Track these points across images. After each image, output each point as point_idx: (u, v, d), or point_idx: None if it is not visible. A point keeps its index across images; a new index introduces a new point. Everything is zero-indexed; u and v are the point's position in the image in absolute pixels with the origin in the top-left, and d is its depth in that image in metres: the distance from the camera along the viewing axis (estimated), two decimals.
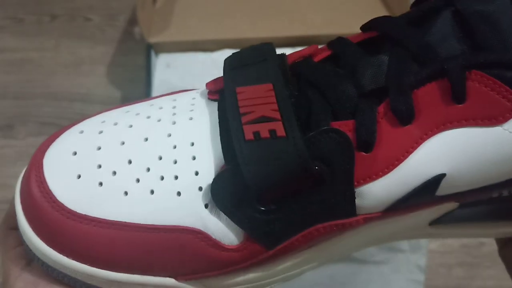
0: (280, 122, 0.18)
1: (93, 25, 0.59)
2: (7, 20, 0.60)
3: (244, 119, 0.18)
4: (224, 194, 0.19)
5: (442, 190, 0.20)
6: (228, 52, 0.50)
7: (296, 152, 0.18)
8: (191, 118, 0.20)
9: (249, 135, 0.18)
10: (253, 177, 0.18)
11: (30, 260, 0.20)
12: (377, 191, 0.19)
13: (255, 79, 0.20)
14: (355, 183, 0.19)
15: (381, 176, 0.19)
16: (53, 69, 0.55)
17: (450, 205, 0.21)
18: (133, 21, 0.59)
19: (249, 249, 0.19)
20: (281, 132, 0.18)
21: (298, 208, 0.19)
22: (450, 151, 0.19)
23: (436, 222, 0.22)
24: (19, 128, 0.51)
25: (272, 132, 0.18)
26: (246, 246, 0.19)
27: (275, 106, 0.19)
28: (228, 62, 0.22)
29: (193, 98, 0.22)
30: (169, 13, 0.52)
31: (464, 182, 0.20)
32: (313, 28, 0.50)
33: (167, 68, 0.49)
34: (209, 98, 0.21)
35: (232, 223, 0.19)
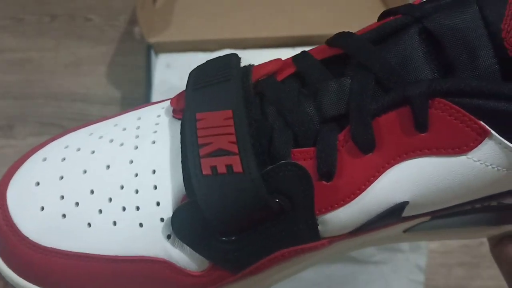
0: (238, 157, 0.18)
1: (93, 25, 0.59)
2: (7, 20, 0.60)
3: (202, 151, 0.18)
4: (185, 227, 0.19)
5: (407, 213, 0.19)
6: (228, 52, 0.50)
7: (253, 189, 0.18)
8: (153, 142, 0.20)
9: (206, 170, 0.18)
10: (211, 213, 0.18)
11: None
12: (340, 219, 0.19)
13: (215, 103, 0.19)
14: (317, 212, 0.19)
15: (342, 205, 0.19)
16: (53, 69, 0.55)
17: (422, 218, 0.21)
18: (133, 21, 0.59)
19: (216, 274, 0.19)
20: (237, 167, 0.18)
21: (260, 238, 0.19)
22: (413, 180, 0.18)
23: (410, 230, 0.22)
24: (19, 128, 0.51)
25: (229, 167, 0.18)
26: (212, 272, 0.19)
27: (233, 138, 0.18)
28: (192, 79, 0.21)
29: (158, 116, 0.21)
30: (169, 13, 0.52)
31: (428, 207, 0.19)
32: (313, 28, 0.50)
33: (167, 68, 0.49)
34: (173, 116, 0.21)
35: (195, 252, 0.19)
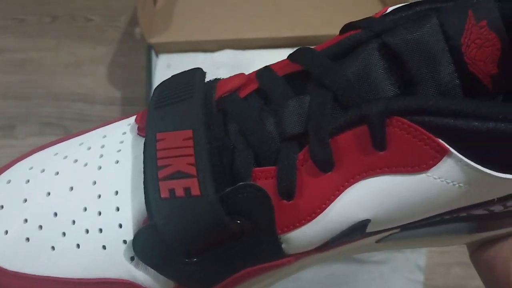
0: (196, 179, 0.18)
1: (94, 25, 0.59)
2: (8, 21, 0.60)
3: (160, 174, 0.18)
4: (147, 250, 0.19)
5: (371, 229, 0.19)
6: (228, 52, 0.50)
7: (211, 212, 0.17)
8: (117, 162, 0.20)
9: (165, 193, 0.18)
10: (170, 236, 0.18)
11: None
12: (302, 237, 0.19)
13: (176, 123, 0.19)
14: (279, 231, 0.19)
15: (304, 224, 0.18)
16: (53, 69, 0.55)
17: (392, 230, 0.21)
18: (133, 21, 0.59)
19: None
20: (195, 190, 0.17)
21: (224, 258, 0.19)
22: (374, 198, 0.18)
23: (383, 239, 0.22)
24: (20, 128, 0.51)
25: (187, 190, 0.18)
26: None
27: (192, 159, 0.18)
28: (155, 96, 0.21)
29: (124, 134, 0.21)
30: (169, 14, 0.52)
31: (392, 223, 0.19)
32: (313, 28, 0.50)
33: (167, 69, 0.49)
34: (138, 134, 0.21)
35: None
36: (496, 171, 0.17)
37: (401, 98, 0.17)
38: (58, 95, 0.53)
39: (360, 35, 0.19)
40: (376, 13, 0.20)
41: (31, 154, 0.22)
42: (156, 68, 0.49)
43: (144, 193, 0.19)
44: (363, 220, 0.18)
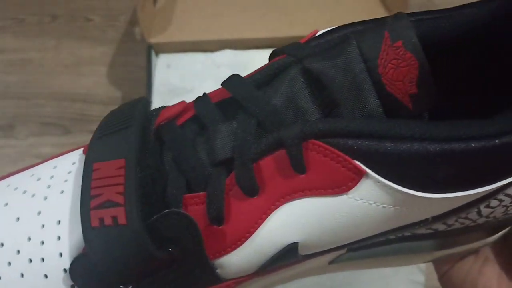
0: (123, 208, 0.18)
1: (94, 25, 0.59)
2: (8, 21, 0.60)
3: (92, 203, 0.18)
4: (83, 278, 0.19)
5: (304, 252, 0.20)
6: (228, 52, 0.50)
7: (137, 240, 0.18)
8: (62, 192, 0.20)
9: (95, 222, 0.18)
10: (102, 264, 0.18)
11: None
12: (235, 261, 0.19)
13: (112, 152, 0.19)
14: (211, 256, 0.19)
15: (235, 249, 0.19)
16: (53, 69, 0.55)
17: (338, 252, 0.21)
18: (133, 21, 0.59)
19: None
20: (122, 219, 0.18)
21: (159, 285, 0.19)
22: (299, 221, 0.18)
23: (335, 262, 0.22)
24: (20, 128, 0.51)
25: (115, 219, 0.18)
26: None
27: (121, 188, 0.18)
28: (99, 126, 0.21)
29: (73, 164, 0.21)
30: (169, 14, 0.52)
31: (324, 246, 0.20)
32: (313, 28, 0.50)
33: (167, 69, 0.49)
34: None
35: None
36: (417, 191, 0.17)
37: (316, 121, 0.17)
38: (58, 95, 0.53)
39: (283, 61, 0.19)
40: (303, 39, 0.20)
41: None
42: (156, 68, 0.49)
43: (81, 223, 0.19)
44: (291, 243, 0.19)
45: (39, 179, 0.21)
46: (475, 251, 0.25)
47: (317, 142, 0.17)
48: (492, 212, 0.21)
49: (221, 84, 0.20)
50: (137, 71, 0.53)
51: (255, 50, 0.50)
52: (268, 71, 0.19)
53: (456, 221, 0.21)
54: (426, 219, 0.19)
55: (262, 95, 0.19)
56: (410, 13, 0.19)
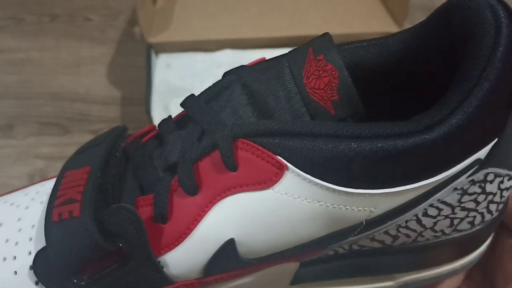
0: (79, 203, 0.20)
1: (93, 25, 0.59)
2: (8, 20, 0.60)
3: (56, 202, 0.20)
4: (44, 271, 0.20)
5: (246, 254, 0.21)
6: (228, 52, 0.50)
7: (86, 231, 0.19)
8: (41, 202, 0.23)
9: (55, 217, 0.20)
10: (56, 256, 0.20)
11: None
12: (178, 259, 0.20)
13: (81, 163, 0.22)
14: (156, 254, 0.20)
15: (177, 245, 0.20)
16: (53, 69, 0.55)
17: (290, 266, 0.23)
18: (133, 21, 0.59)
19: None
20: (76, 212, 0.20)
21: (111, 281, 0.20)
22: (233, 216, 0.20)
23: (295, 283, 0.24)
24: (19, 128, 0.51)
25: (71, 213, 0.20)
26: None
27: (82, 188, 0.20)
28: (79, 148, 0.24)
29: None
30: (169, 13, 0.52)
31: (261, 247, 0.21)
32: (313, 28, 0.50)
33: (167, 68, 0.49)
34: None
35: None
36: (335, 185, 0.19)
37: (244, 123, 0.20)
38: (58, 95, 0.53)
39: (227, 79, 0.22)
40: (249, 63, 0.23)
41: None
42: (156, 68, 0.49)
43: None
44: (228, 240, 0.20)
45: (26, 194, 0.24)
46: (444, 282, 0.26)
47: (245, 141, 0.19)
48: (435, 224, 0.22)
49: (180, 104, 0.22)
50: (137, 71, 0.53)
51: (255, 50, 0.50)
52: (215, 88, 0.22)
53: (398, 231, 0.22)
54: (360, 223, 0.21)
55: (207, 107, 0.21)
56: (339, 43, 0.22)
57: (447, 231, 0.23)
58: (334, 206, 0.20)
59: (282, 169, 0.19)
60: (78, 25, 0.59)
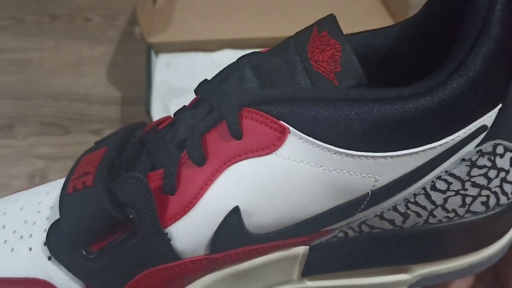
0: (92, 175, 0.21)
1: (93, 25, 0.59)
2: (7, 20, 0.60)
3: (72, 177, 0.22)
4: (55, 243, 0.21)
5: (253, 228, 0.21)
6: (228, 52, 0.50)
7: (97, 199, 0.20)
8: (62, 188, 0.23)
9: (69, 189, 0.21)
10: (67, 225, 0.20)
11: None
12: (184, 230, 0.21)
13: (99, 147, 0.23)
14: (163, 224, 0.21)
15: (183, 215, 0.21)
16: (53, 69, 0.55)
17: (299, 250, 0.23)
18: (133, 21, 0.59)
19: None
20: (89, 182, 0.21)
21: (120, 254, 0.21)
22: (238, 184, 0.20)
23: (307, 273, 0.24)
24: (19, 128, 0.51)
25: (84, 183, 0.21)
26: None
27: (97, 163, 0.21)
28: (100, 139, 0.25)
29: None
30: (169, 13, 0.52)
31: (264, 217, 0.21)
32: None
33: (167, 68, 0.49)
34: None
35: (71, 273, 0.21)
36: (337, 147, 0.19)
37: (247, 93, 0.20)
38: (58, 95, 0.53)
39: (238, 62, 0.23)
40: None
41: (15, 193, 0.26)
42: (156, 68, 0.49)
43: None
44: (233, 208, 0.20)
45: (49, 185, 0.25)
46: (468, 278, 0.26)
47: (250, 109, 0.20)
48: (446, 201, 0.21)
49: (194, 91, 0.23)
50: (137, 71, 0.53)
51: (255, 49, 0.50)
52: (226, 70, 0.23)
53: (408, 207, 0.21)
54: (366, 194, 0.21)
55: (217, 87, 0.22)
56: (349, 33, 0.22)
57: (460, 211, 0.22)
58: (337, 171, 0.20)
59: (284, 133, 0.19)
60: (78, 25, 0.59)
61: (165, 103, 0.46)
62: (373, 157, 0.19)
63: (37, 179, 0.47)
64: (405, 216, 0.22)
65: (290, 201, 0.20)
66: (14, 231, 0.22)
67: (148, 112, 0.45)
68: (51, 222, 0.22)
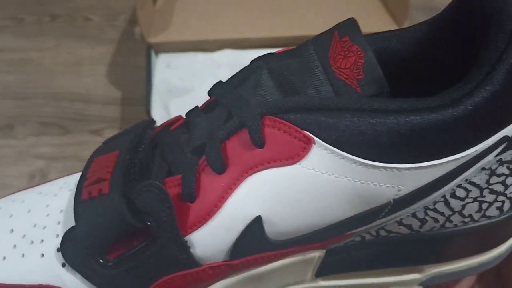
0: (108, 181, 0.20)
1: (93, 25, 0.59)
2: (7, 20, 0.60)
3: (85, 183, 0.21)
4: (70, 252, 0.21)
5: (273, 235, 0.21)
6: (228, 52, 0.50)
7: (114, 207, 0.19)
8: (70, 189, 0.23)
9: (84, 196, 0.20)
10: (83, 233, 0.20)
11: None
12: (205, 238, 0.20)
13: (110, 149, 0.22)
14: (183, 232, 0.20)
15: (204, 223, 0.20)
16: (53, 69, 0.55)
17: (316, 254, 0.23)
18: (133, 21, 0.59)
19: None
20: (105, 190, 0.20)
21: (137, 262, 0.20)
22: (260, 193, 0.20)
23: (320, 274, 0.24)
24: (19, 128, 0.51)
25: (100, 191, 0.20)
26: None
27: (111, 168, 0.21)
28: (109, 138, 0.25)
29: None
30: (169, 13, 0.52)
31: (285, 225, 0.21)
32: (313, 28, 0.50)
33: (167, 68, 0.49)
34: None
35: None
36: (363, 158, 0.19)
37: (271, 101, 0.20)
38: (58, 95, 0.53)
39: (254, 65, 0.22)
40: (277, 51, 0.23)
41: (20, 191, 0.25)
42: (156, 68, 0.49)
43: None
44: (255, 218, 0.20)
45: (53, 185, 0.24)
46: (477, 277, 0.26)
47: (273, 117, 0.19)
48: (463, 207, 0.21)
49: (207, 92, 0.23)
50: (137, 71, 0.53)
51: (255, 50, 0.50)
52: (241, 73, 0.22)
53: (426, 213, 0.21)
54: (388, 202, 0.20)
55: (234, 90, 0.21)
56: (367, 34, 0.22)
57: (475, 216, 0.22)
58: (362, 181, 0.20)
59: (309, 143, 0.19)
60: (78, 25, 0.59)
61: (165, 103, 0.46)
62: (398, 168, 0.19)
63: (37, 179, 0.47)
64: (423, 221, 0.22)
65: (312, 210, 0.20)
66: (24, 236, 0.22)
67: (148, 112, 0.45)
68: (63, 227, 0.21)
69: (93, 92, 0.53)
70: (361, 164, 0.19)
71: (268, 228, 0.20)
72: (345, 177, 0.19)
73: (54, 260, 0.21)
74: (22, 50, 0.57)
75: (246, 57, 0.53)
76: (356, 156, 0.19)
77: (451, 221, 0.22)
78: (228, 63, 0.49)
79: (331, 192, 0.20)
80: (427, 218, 0.22)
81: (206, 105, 0.23)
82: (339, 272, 0.24)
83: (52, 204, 0.23)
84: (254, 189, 0.20)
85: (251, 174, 0.20)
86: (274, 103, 0.19)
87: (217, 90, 0.22)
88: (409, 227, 0.22)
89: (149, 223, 0.20)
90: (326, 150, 0.19)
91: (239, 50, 0.50)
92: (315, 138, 0.19)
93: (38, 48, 0.57)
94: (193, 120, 0.22)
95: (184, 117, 0.24)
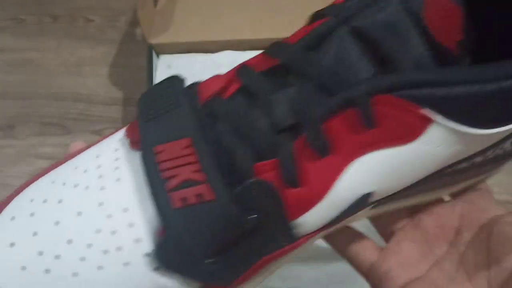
0: (205, 185, 0.18)
1: (94, 26, 0.59)
2: (8, 21, 0.60)
3: (168, 185, 0.18)
4: (171, 258, 0.19)
5: (374, 199, 0.21)
6: (229, 53, 0.51)
7: (227, 214, 0.18)
8: (118, 179, 0.20)
9: (177, 203, 0.18)
10: (190, 242, 0.18)
11: None
12: (311, 219, 0.20)
13: (171, 133, 0.19)
14: (290, 218, 0.19)
15: (311, 208, 0.19)
16: (54, 69, 0.55)
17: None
18: (134, 22, 0.59)
19: None
20: (208, 196, 0.18)
21: (242, 252, 0.20)
22: (373, 173, 0.19)
23: (375, 205, 0.23)
24: (20, 128, 0.51)
25: (200, 196, 0.18)
26: None
27: (197, 166, 0.18)
28: (141, 109, 0.22)
29: (116, 150, 0.21)
30: (170, 14, 0.52)
31: (391, 192, 0.21)
32: None
33: (168, 69, 0.49)
34: (131, 148, 0.21)
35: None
36: (475, 128, 0.19)
37: (382, 77, 0.18)
38: (59, 95, 0.53)
39: (329, 23, 0.19)
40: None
41: (26, 186, 0.22)
42: (157, 69, 0.49)
43: (155, 207, 0.19)
44: (366, 194, 0.20)
45: (85, 171, 0.21)
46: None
47: (385, 96, 0.18)
48: None
49: (266, 52, 0.20)
50: (138, 72, 0.53)
51: (256, 51, 0.50)
52: (313, 35, 0.20)
53: (493, 152, 0.22)
54: (473, 154, 0.21)
55: (316, 58, 0.19)
56: None
57: None
58: (469, 147, 0.20)
59: (427, 120, 0.18)
60: (79, 26, 0.59)
61: None
62: (498, 132, 0.19)
63: None
64: (486, 157, 0.22)
65: (416, 177, 0.20)
66: (89, 245, 0.19)
67: None
68: (141, 231, 0.19)
69: (95, 92, 0.53)
70: (473, 135, 0.19)
71: (373, 198, 0.20)
72: (456, 146, 0.19)
73: (143, 267, 0.19)
74: (23, 50, 0.57)
75: (246, 58, 0.54)
76: (474, 127, 0.19)
77: (504, 151, 0.22)
78: (229, 64, 0.49)
79: (441, 161, 0.20)
80: (490, 155, 0.22)
81: (266, 69, 0.20)
82: (391, 201, 0.23)
83: (106, 201, 0.19)
84: (366, 170, 0.19)
85: (362, 155, 0.19)
86: (385, 80, 0.18)
87: (286, 54, 0.20)
88: (473, 162, 0.22)
89: (255, 217, 0.19)
90: (445, 127, 0.18)
91: (240, 51, 0.50)
92: (434, 114, 0.18)
93: (39, 49, 0.57)
94: (258, 89, 0.20)
95: (227, 75, 0.21)
